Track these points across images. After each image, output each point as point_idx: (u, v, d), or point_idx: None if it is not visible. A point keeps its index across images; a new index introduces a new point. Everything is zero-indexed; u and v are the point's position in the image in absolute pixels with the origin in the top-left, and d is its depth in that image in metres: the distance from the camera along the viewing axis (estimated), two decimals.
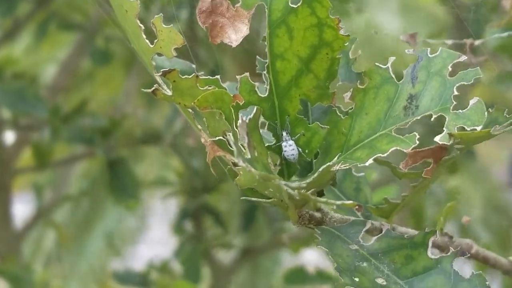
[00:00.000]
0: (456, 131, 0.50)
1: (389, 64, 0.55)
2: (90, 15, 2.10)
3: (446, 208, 0.67)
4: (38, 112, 1.46)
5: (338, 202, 0.47)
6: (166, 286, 1.72)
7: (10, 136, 1.79)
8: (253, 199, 0.55)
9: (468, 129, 0.50)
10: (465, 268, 0.58)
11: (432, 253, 0.54)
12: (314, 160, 0.58)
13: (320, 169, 0.49)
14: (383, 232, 0.56)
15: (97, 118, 1.58)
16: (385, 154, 0.52)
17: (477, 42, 0.72)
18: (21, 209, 2.10)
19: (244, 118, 0.47)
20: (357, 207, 0.47)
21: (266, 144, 0.57)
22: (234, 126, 0.51)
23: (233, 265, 2.27)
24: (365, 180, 0.65)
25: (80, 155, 1.82)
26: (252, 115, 0.49)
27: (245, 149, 0.48)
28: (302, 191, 0.47)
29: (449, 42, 0.72)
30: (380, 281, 0.52)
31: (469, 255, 0.60)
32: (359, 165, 0.52)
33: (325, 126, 0.56)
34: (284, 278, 1.61)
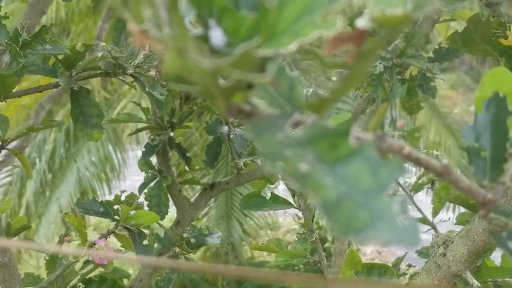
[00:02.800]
0: (377, 15, 0.50)
1: None
2: None
3: (381, 107, 0.68)
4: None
5: (257, 76, 0.47)
6: (129, 215, 1.73)
7: None
8: (181, 86, 0.55)
9: (388, 12, 0.50)
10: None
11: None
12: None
13: (242, 49, 0.49)
14: (309, 122, 0.57)
15: (58, 46, 1.57)
16: (307, 38, 0.52)
17: None
18: None
19: None
20: (273, 83, 0.47)
21: (193, 34, 0.56)
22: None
23: (197, 200, 2.29)
24: (298, 80, 0.66)
25: (42, 86, 1.81)
26: None
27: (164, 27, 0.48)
28: (221, 66, 0.47)
29: None
30: (303, 166, 0.53)
31: (386, 141, 0.60)
32: (282, 50, 0.53)
33: (252, 15, 0.56)
34: (241, 202, 1.62)
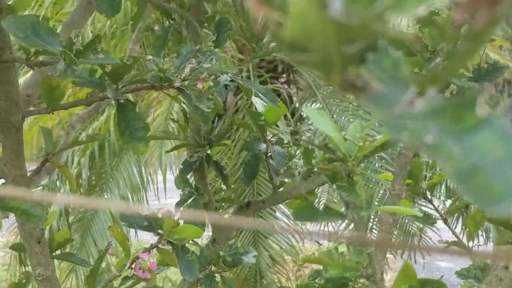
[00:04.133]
0: None
1: None
2: None
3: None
4: (52, 46, 1.44)
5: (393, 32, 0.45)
6: (173, 229, 1.71)
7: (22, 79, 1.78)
8: (297, 57, 0.54)
9: None
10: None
11: None
12: None
13: (376, 9, 0.47)
14: (428, 94, 0.55)
15: (110, 56, 1.56)
16: (437, 2, 0.50)
17: None
18: None
19: None
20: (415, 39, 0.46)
21: None
22: None
23: (234, 218, 2.27)
24: (403, 60, 0.64)
25: (90, 99, 1.80)
26: None
27: None
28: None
29: None
30: (428, 137, 0.52)
31: None
32: (410, 14, 0.51)
33: None
34: (293, 213, 1.60)
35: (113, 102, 1.76)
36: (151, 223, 1.75)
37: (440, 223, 2.31)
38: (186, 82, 1.75)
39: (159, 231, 1.74)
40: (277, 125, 4.40)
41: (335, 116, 5.82)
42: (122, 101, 1.75)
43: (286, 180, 2.28)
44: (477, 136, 0.51)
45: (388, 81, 0.60)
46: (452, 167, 0.50)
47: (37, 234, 1.79)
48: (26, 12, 2.72)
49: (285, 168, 2.23)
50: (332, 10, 0.44)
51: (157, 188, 6.15)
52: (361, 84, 0.58)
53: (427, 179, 2.23)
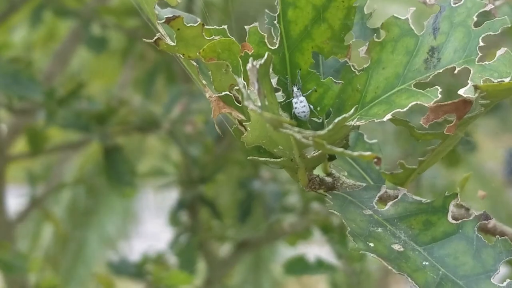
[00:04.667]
0: (481, 83, 0.46)
1: (408, 15, 0.52)
2: (86, 1, 2.07)
3: (462, 178, 0.63)
4: (33, 94, 1.42)
5: (355, 153, 0.43)
6: (162, 276, 1.68)
7: (3, 124, 1.75)
8: (260, 159, 0.51)
9: (495, 81, 0.46)
10: None
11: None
12: (326, 120, 0.54)
13: (336, 121, 0.45)
14: (399, 197, 0.52)
15: (93, 102, 1.54)
16: (405, 109, 0.48)
17: None
18: (14, 202, 2.06)
19: (254, 63, 0.44)
20: (375, 159, 0.43)
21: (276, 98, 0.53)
22: (243, 77, 0.48)
23: (229, 258, 2.24)
24: (377, 147, 0.61)
25: (75, 142, 1.78)
26: (263, 60, 0.45)
27: (254, 97, 0.44)
28: (320, 140, 0.43)
29: None
30: (396, 247, 0.49)
31: (488, 221, 0.56)
32: (376, 121, 0.48)
33: (339, 81, 0.52)
34: (284, 268, 1.57)
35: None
36: (139, 270, 1.71)
37: None
38: (175, 124, 1.72)
39: (148, 277, 1.71)
40: None
41: None
42: (108, 145, 1.73)
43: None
44: (448, 246, 0.48)
45: (359, 176, 0.58)
46: (421, 279, 0.47)
47: (20, 283, 1.76)
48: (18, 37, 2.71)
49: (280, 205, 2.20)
50: (287, 129, 0.42)
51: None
52: (330, 181, 0.55)
53: None
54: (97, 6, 2.13)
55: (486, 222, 0.63)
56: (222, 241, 2.34)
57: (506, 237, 0.47)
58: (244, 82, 0.43)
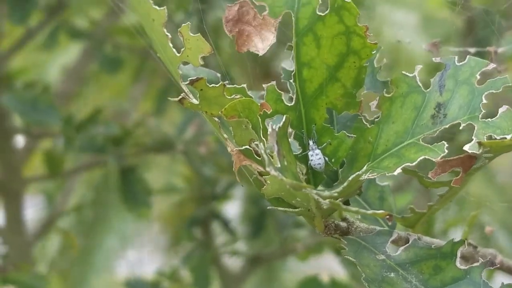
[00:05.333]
0: (485, 139, 0.50)
1: (416, 73, 0.55)
2: (98, 22, 2.11)
3: (470, 217, 0.67)
4: (52, 121, 1.46)
5: (369, 212, 0.46)
6: None
7: (19, 141, 1.79)
8: (280, 208, 0.55)
9: (498, 137, 0.49)
10: None
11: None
12: (340, 169, 0.58)
13: (350, 178, 0.48)
14: (410, 242, 0.56)
15: (109, 126, 1.58)
16: (414, 163, 0.51)
17: (500, 50, 0.71)
18: (30, 213, 2.09)
19: (273, 127, 0.47)
20: (388, 216, 0.47)
21: (293, 153, 0.56)
22: (262, 135, 0.51)
23: (242, 273, 2.27)
24: (388, 189, 0.65)
25: (91, 163, 1.81)
26: (281, 123, 0.48)
27: (274, 158, 0.48)
28: (335, 201, 0.46)
29: (472, 50, 0.71)
30: None
31: (497, 266, 0.59)
32: (387, 175, 0.52)
33: (352, 135, 0.56)
34: (299, 287, 1.60)
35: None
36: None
37: None
38: (189, 145, 1.76)
39: None
40: None
41: None
42: (124, 166, 1.76)
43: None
44: None
45: (373, 219, 0.61)
46: None
47: None
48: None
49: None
50: (307, 190, 0.45)
51: None
52: (345, 227, 0.59)
53: None
54: (108, 26, 2.16)
55: (494, 257, 0.67)
56: (235, 256, 2.37)
57: (510, 283, 0.50)
58: (264, 147, 0.46)
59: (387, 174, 0.52)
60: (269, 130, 0.47)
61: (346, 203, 0.59)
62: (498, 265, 0.67)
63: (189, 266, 2.25)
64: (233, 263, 2.59)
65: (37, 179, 1.77)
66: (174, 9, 1.89)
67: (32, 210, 2.30)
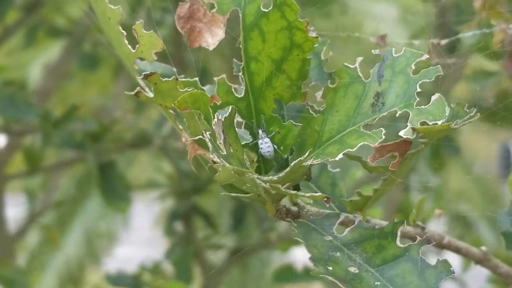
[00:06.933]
0: (419, 125, 0.53)
1: (357, 64, 0.59)
2: (77, 20, 2.13)
3: (418, 201, 0.70)
4: (28, 118, 1.49)
5: (307, 194, 0.50)
6: (159, 286, 1.75)
7: (0, 141, 1.82)
8: (232, 194, 0.58)
9: (430, 123, 0.53)
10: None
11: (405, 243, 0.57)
12: (290, 157, 0.61)
13: (292, 164, 0.52)
14: (355, 223, 0.59)
15: (87, 122, 1.61)
16: (354, 149, 0.55)
17: (443, 42, 0.75)
18: (12, 212, 2.12)
19: (219, 117, 0.50)
20: (325, 199, 0.50)
21: (244, 142, 0.60)
22: (212, 125, 0.54)
23: (224, 265, 2.30)
24: (339, 175, 0.68)
25: (70, 159, 1.84)
26: (227, 113, 0.52)
27: (219, 145, 0.51)
28: (275, 184, 0.50)
29: (416, 42, 0.75)
30: (352, 269, 0.56)
31: (434, 243, 0.62)
32: (330, 160, 0.55)
33: (299, 124, 0.59)
34: (273, 276, 1.63)
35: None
36: (137, 281, 1.78)
37: None
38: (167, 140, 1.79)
39: None
40: None
41: None
42: (103, 161, 1.79)
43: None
44: (397, 267, 0.55)
45: (322, 204, 0.65)
46: None
47: None
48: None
49: None
50: (249, 176, 0.49)
51: None
52: (296, 211, 0.62)
53: None
54: (87, 24, 2.19)
55: (442, 238, 0.71)
56: (217, 249, 2.40)
57: (446, 258, 0.54)
58: (210, 136, 0.50)
59: (330, 160, 0.55)
60: (215, 120, 0.50)
61: (296, 188, 0.62)
62: (445, 246, 0.71)
63: (172, 260, 2.28)
64: (215, 256, 2.62)
65: (17, 176, 1.80)
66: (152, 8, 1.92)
67: (15, 208, 2.33)
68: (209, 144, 0.49)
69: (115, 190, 1.78)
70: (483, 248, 0.72)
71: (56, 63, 2.78)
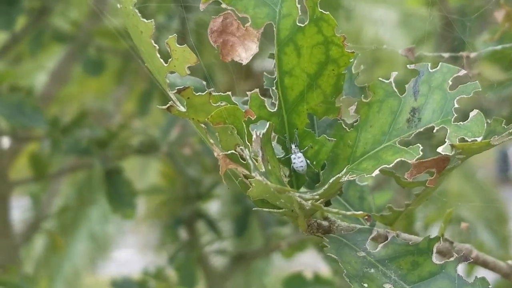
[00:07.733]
0: (457, 142, 0.53)
1: (391, 79, 0.58)
2: (82, 26, 2.12)
3: (446, 214, 0.70)
4: (37, 124, 1.48)
5: (348, 213, 0.49)
6: None
7: (4, 143, 1.81)
8: (265, 209, 0.58)
9: (469, 140, 0.53)
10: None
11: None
12: (321, 172, 0.61)
13: (330, 181, 0.51)
14: (389, 239, 0.59)
15: (95, 129, 1.60)
16: (391, 165, 0.54)
17: (472, 55, 0.75)
18: (15, 214, 2.11)
19: (257, 133, 0.50)
20: (366, 217, 0.50)
21: (277, 157, 0.59)
22: (246, 140, 0.54)
23: (227, 270, 2.29)
24: (368, 189, 0.68)
25: (76, 166, 1.83)
26: (265, 130, 0.51)
27: (258, 162, 0.51)
28: (317, 203, 0.49)
29: (446, 55, 0.74)
30: (387, 286, 0.55)
31: (471, 260, 0.62)
32: (365, 176, 0.55)
33: (332, 139, 0.59)
34: (283, 284, 1.63)
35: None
36: (143, 287, 1.77)
37: None
38: (173, 147, 1.78)
39: None
40: None
41: None
42: (109, 168, 1.78)
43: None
44: (433, 285, 0.55)
45: (353, 218, 0.64)
46: None
47: None
48: None
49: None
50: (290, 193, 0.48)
51: None
52: (327, 225, 0.62)
53: None
54: (91, 29, 2.18)
55: (470, 252, 0.70)
56: (220, 254, 2.39)
57: (484, 276, 0.54)
58: (249, 152, 0.49)
59: (365, 176, 0.55)
60: (254, 136, 0.49)
61: (328, 203, 0.62)
62: (473, 260, 0.70)
63: (175, 265, 2.27)
64: (218, 261, 2.61)
65: (23, 182, 1.79)
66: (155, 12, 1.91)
67: (18, 211, 2.31)
68: (248, 161, 0.48)
69: (121, 197, 1.78)
70: (510, 262, 0.71)
71: (59, 68, 2.77)
